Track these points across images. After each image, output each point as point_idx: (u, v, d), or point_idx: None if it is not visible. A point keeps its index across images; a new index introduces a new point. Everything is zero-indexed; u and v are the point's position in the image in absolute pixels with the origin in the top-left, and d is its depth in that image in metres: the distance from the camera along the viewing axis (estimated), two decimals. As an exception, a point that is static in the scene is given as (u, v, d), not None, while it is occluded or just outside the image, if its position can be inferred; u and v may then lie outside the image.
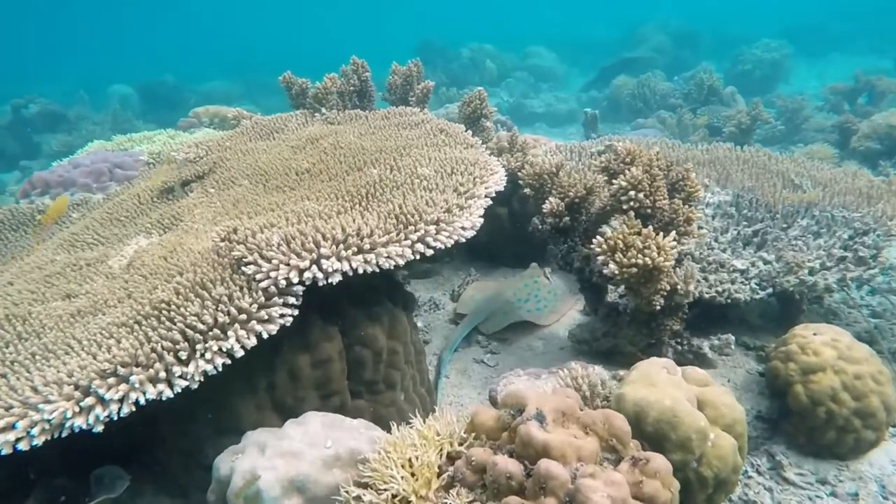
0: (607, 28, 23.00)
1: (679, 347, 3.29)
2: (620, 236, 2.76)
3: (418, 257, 2.60)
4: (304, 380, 2.61)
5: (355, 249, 2.44)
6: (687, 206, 3.03)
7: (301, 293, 2.40)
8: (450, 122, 4.30)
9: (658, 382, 2.32)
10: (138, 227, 3.65)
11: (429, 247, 2.61)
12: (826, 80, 13.54)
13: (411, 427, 2.15)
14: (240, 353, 2.23)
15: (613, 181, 3.02)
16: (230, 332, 2.21)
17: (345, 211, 2.83)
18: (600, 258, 2.84)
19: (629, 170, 2.95)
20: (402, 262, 2.52)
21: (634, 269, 2.69)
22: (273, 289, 2.34)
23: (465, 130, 4.01)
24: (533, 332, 4.11)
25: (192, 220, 3.45)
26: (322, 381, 2.65)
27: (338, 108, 4.77)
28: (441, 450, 2.03)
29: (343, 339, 2.75)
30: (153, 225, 3.59)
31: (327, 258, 2.38)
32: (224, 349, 2.19)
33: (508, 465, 1.79)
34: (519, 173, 3.80)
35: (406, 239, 2.57)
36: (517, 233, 4.85)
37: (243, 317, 2.26)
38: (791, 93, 11.72)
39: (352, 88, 4.77)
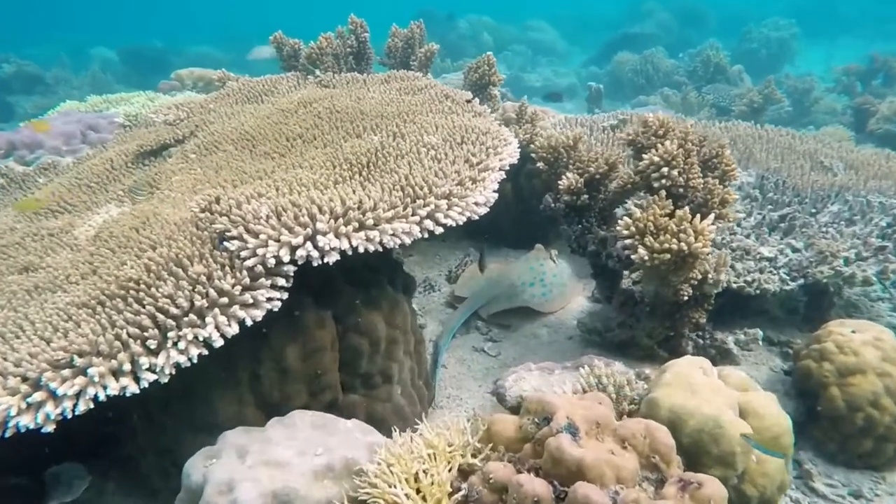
0: (609, 3, 22.41)
1: (701, 342, 3.03)
2: (651, 218, 2.46)
3: (426, 236, 2.28)
4: (292, 372, 2.31)
5: (356, 225, 2.13)
6: (722, 187, 2.73)
7: (292, 274, 2.08)
8: (456, 89, 3.95)
9: (697, 387, 2.04)
10: (110, 195, 3.29)
11: (439, 224, 2.30)
12: (833, 62, 13.23)
13: (418, 433, 1.86)
14: (219, 343, 1.92)
15: (643, 155, 2.70)
16: (208, 318, 1.90)
17: (343, 181, 2.50)
18: (627, 241, 2.54)
19: (662, 143, 2.64)
20: (408, 240, 2.21)
21: (667, 255, 2.39)
22: (260, 268, 2.02)
23: (473, 98, 3.67)
24: (537, 318, 3.83)
25: (169, 187, 3.10)
26: (313, 373, 2.35)
27: (333, 70, 4.40)
28: (452, 463, 1.74)
29: (337, 327, 2.45)
30: (126, 192, 3.24)
31: (324, 234, 2.06)
32: (201, 337, 1.88)
33: (536, 486, 1.51)
34: (531, 146, 3.48)
35: (414, 214, 2.26)
36: (522, 210, 4.55)
37: (224, 300, 1.94)
38: (798, 74, 11.40)
39: (348, 50, 4.39)
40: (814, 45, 17.21)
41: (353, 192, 2.31)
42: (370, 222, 2.14)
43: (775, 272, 3.20)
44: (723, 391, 2.06)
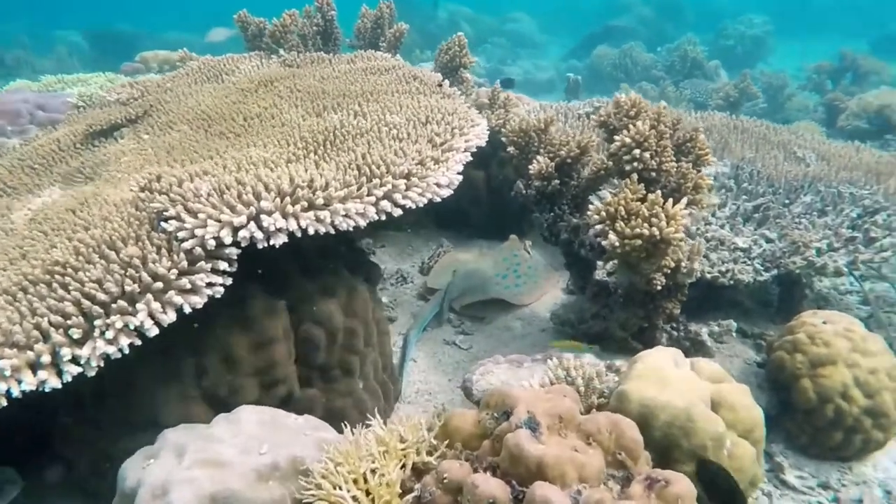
0: (589, -4, 22.34)
1: (675, 333, 2.93)
2: (622, 202, 2.35)
3: (384, 217, 2.14)
4: (241, 365, 2.16)
5: (305, 205, 1.97)
6: (696, 171, 2.63)
7: (236, 257, 1.92)
8: (425, 70, 3.80)
9: (669, 379, 1.93)
10: (54, 177, 3.09)
11: (396, 205, 2.16)
12: (806, 60, 13.33)
13: (369, 429, 1.72)
14: (153, 332, 1.76)
15: (615, 138, 2.59)
16: (140, 305, 1.73)
17: (296, 160, 2.34)
18: (597, 227, 2.42)
19: (634, 124, 2.53)
20: (362, 222, 2.06)
21: (638, 241, 2.28)
22: (199, 250, 1.86)
23: (443, 80, 3.53)
24: (511, 311, 3.72)
25: (117, 168, 2.90)
26: (264, 366, 2.20)
27: (298, 50, 4.22)
28: (405, 461, 1.61)
29: (291, 316, 2.29)
30: (72, 174, 3.04)
31: (269, 214, 1.91)
32: (132, 326, 1.71)
33: (492, 486, 1.38)
34: (502, 129, 3.34)
35: (369, 194, 2.11)
36: (495, 200, 4.42)
37: (158, 285, 1.78)
38: (772, 71, 11.44)
39: (315, 29, 4.21)
40: (788, 43, 17.35)
41: (305, 170, 2.16)
42: (320, 202, 1.98)
43: (749, 263, 3.12)
44: (695, 383, 1.96)
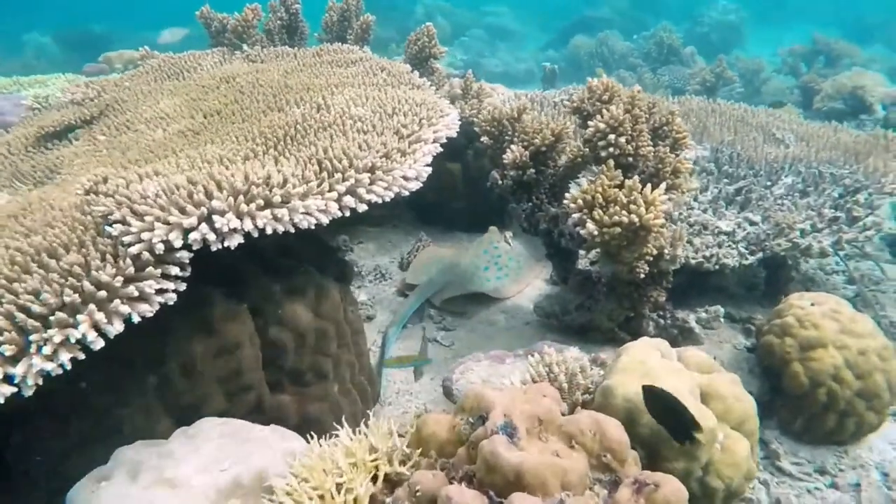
0: (566, -12, 22.25)
1: (662, 322, 2.84)
2: (599, 189, 2.24)
3: (347, 214, 2.02)
4: (204, 373, 2.02)
5: (261, 203, 1.84)
6: (674, 155, 2.53)
7: (188, 261, 1.79)
8: (394, 62, 3.67)
9: (655, 371, 1.83)
10: (2, 181, 2.92)
11: (361, 200, 2.04)
12: (780, 47, 13.37)
13: (338, 439, 1.60)
14: (99, 345, 1.62)
15: (589, 123, 2.48)
16: (82, 316, 1.59)
17: (254, 156, 2.21)
18: (575, 216, 2.32)
19: (608, 109, 2.42)
20: (325, 219, 1.94)
21: (617, 229, 2.18)
22: (147, 255, 1.72)
23: (412, 71, 3.41)
24: (493, 304, 3.61)
25: (70, 171, 2.75)
26: (229, 373, 2.06)
27: (262, 45, 4.07)
28: (377, 472, 1.49)
29: (256, 320, 2.16)
30: (21, 178, 2.88)
31: (222, 214, 1.77)
32: (73, 339, 1.57)
33: (467, 498, 1.27)
34: (475, 119, 3.22)
35: (331, 190, 1.98)
36: (473, 192, 4.31)
37: (103, 294, 1.64)
38: (748, 57, 11.44)
39: (279, 23, 4.06)
40: (762, 31, 17.42)
41: (263, 166, 2.02)
42: (278, 199, 1.85)
43: (734, 247, 3.04)
44: (683, 375, 1.86)
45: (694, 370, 1.94)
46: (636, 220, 2.13)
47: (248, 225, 1.81)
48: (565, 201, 2.35)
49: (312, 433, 1.66)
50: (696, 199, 3.40)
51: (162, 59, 4.07)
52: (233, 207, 1.80)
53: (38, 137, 3.21)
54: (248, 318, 2.12)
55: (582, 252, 3.10)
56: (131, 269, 1.69)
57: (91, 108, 3.37)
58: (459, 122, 2.80)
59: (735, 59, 10.45)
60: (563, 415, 1.50)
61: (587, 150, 2.66)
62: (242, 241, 1.82)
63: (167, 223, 1.74)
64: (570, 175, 3.04)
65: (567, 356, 2.07)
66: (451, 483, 1.34)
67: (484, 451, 1.32)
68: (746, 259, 2.95)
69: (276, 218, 1.85)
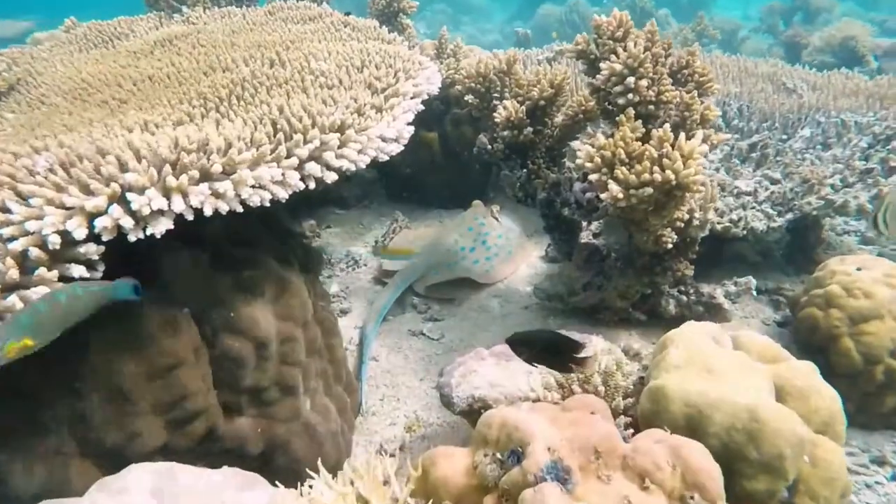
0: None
1: (684, 298, 2.47)
2: (621, 143, 1.83)
3: (312, 185, 1.57)
4: (135, 401, 1.56)
5: (195, 175, 1.38)
6: (700, 101, 2.13)
7: (97, 257, 1.33)
8: (358, 19, 3.20)
9: (716, 364, 1.44)
10: None
11: (329, 167, 1.59)
12: (749, 9, 13.13)
13: (312, 491, 1.17)
14: (-29, 380, 1.15)
15: (600, 66, 2.06)
16: (-60, 343, 1.12)
17: (190, 120, 1.74)
18: (592, 177, 1.90)
19: (624, 47, 2.00)
20: (283, 192, 1.49)
21: (648, 190, 1.77)
22: (38, 253, 1.25)
23: (380, 27, 2.94)
24: (485, 288, 3.20)
25: (-34, 156, 2.23)
26: (169, 398, 1.61)
27: (205, 5, 3.54)
28: (369, 536, 1.07)
29: (202, 328, 1.71)
30: None
31: (140, 191, 1.31)
32: (-71, 376, 1.11)
33: (509, 582, 0.85)
34: (455, 76, 2.78)
35: (289, 156, 1.53)
36: (453, 164, 3.87)
37: (-29, 311, 1.17)
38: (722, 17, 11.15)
39: (224, -20, 3.53)
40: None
41: (200, 129, 1.56)
42: (218, 169, 1.39)
43: (758, 208, 2.67)
44: (749, 367, 1.47)
45: (756, 359, 1.56)
46: (671, 177, 1.73)
47: (178, 205, 1.35)
48: (578, 160, 1.93)
49: (278, 482, 1.22)
50: (705, 157, 3.02)
51: (87, 26, 3.51)
52: (156, 182, 1.34)
53: (-67, 119, 2.66)
54: (190, 326, 1.66)
55: (584, 223, 2.71)
56: (14, 273, 1.22)
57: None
58: (437, 89, 2.35)
59: (710, 19, 10.12)
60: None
61: (594, 102, 2.24)
62: (172, 227, 1.37)
63: (64, 207, 1.27)
64: (569, 135, 2.63)
65: (595, 347, 1.67)
66: (480, 554, 0.93)
67: (528, 509, 0.91)
68: (775, 221, 2.58)
69: (216, 194, 1.40)
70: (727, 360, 1.47)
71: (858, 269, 2.34)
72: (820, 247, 2.89)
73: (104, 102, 2.31)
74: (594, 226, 2.76)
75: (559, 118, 2.62)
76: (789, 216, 2.61)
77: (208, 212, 1.39)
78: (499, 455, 1.05)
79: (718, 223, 2.47)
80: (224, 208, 1.41)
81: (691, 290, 2.48)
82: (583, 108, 2.46)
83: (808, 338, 2.38)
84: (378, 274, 3.41)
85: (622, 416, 1.48)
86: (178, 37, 2.94)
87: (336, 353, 2.14)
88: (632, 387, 1.57)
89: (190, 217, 1.39)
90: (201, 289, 1.72)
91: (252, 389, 1.80)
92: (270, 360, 1.81)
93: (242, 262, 1.83)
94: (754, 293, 2.52)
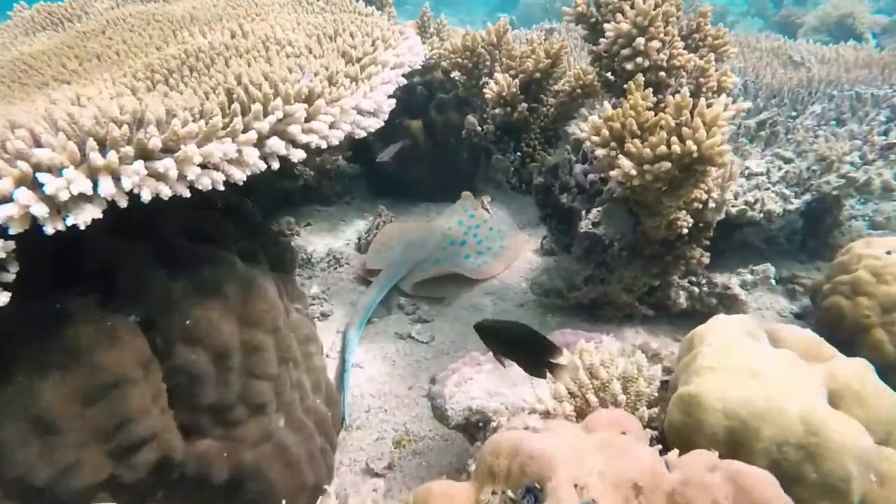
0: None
1: (696, 290, 2.25)
2: (632, 113, 1.60)
3: (275, 165, 1.32)
4: (68, 428, 1.31)
5: (129, 151, 1.13)
6: (715, 67, 1.91)
7: (6, 255, 1.07)
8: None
9: (759, 366, 1.22)
10: None
11: (295, 144, 1.34)
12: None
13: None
14: None
15: (606, 27, 1.83)
16: None
17: (132, 93, 1.48)
18: (599, 153, 1.67)
19: (630, 4, 1.77)
20: (239, 173, 1.24)
21: (666, 165, 1.55)
22: (-77, 251, 1.00)
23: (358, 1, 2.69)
24: (476, 285, 2.96)
25: None
26: (110, 423, 1.36)
27: (166, -16, 3.26)
28: None
29: (152, 338, 1.46)
30: None
31: (56, 171, 1.06)
32: None
33: None
34: (441, 51, 2.54)
35: (246, 130, 1.28)
36: (439, 153, 3.63)
37: None
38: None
39: (185, -44, 3.25)
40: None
41: (140, 101, 1.30)
42: (155, 144, 1.14)
43: (771, 189, 2.46)
44: (799, 368, 1.25)
45: (802, 356, 1.34)
46: (692, 148, 1.50)
47: (106, 188, 1.10)
48: (583, 133, 1.70)
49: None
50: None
51: (36, 8, 3.22)
52: (76, 160, 1.09)
53: None
54: (137, 336, 1.41)
55: (590, 211, 2.48)
56: None
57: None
58: (420, 65, 2.11)
59: (698, 4, 9.98)
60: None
61: (594, 73, 2.01)
62: (100, 216, 1.11)
63: (-45, 193, 1.02)
64: (566, 114, 2.40)
65: (608, 350, 1.44)
66: None
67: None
68: (791, 203, 2.37)
69: (156, 174, 1.15)
70: (771, 360, 1.25)
71: (888, 253, 2.13)
72: (837, 230, 2.68)
73: (44, 84, 2.05)
74: (593, 214, 2.54)
75: (555, 98, 2.39)
76: (807, 197, 2.39)
77: (146, 197, 1.14)
78: (511, 494, 0.82)
79: (733, 206, 2.25)
80: (166, 192, 1.16)
81: (703, 281, 2.26)
82: (581, 82, 2.23)
83: (832, 330, 2.17)
84: (361, 273, 3.16)
85: (647, 430, 1.26)
86: (133, 14, 2.67)
87: (314, 362, 1.89)
88: (656, 393, 1.34)
89: (123, 203, 1.13)
90: (151, 292, 1.47)
91: (214, 407, 1.55)
92: (235, 373, 1.56)
93: (201, 260, 1.58)
94: (773, 281, 2.30)
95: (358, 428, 2.11)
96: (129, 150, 1.13)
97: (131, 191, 1.13)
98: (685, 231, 1.86)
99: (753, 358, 1.24)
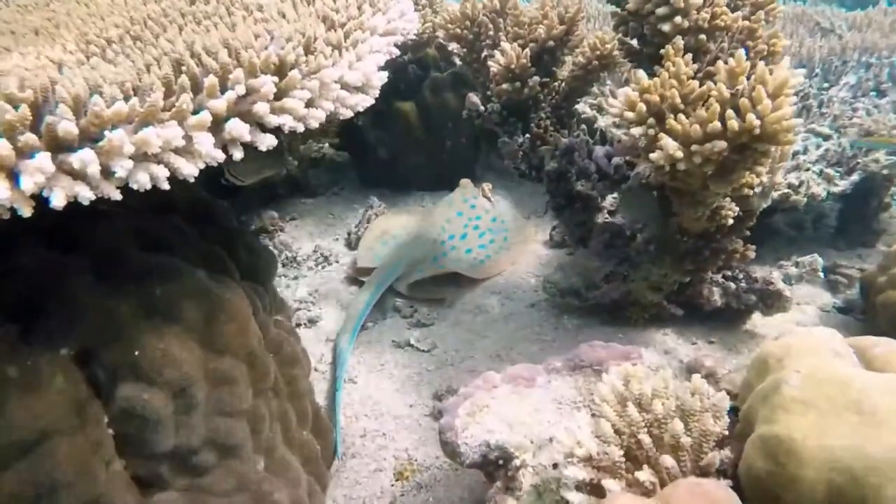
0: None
1: (732, 286, 1.98)
2: (674, 83, 1.32)
3: (237, 156, 1.03)
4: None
5: (30, 142, 0.83)
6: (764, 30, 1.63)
7: None
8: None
9: (869, 400, 0.95)
10: None
11: (264, 128, 1.05)
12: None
13: None
14: None
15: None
16: None
17: (58, 66, 1.18)
18: (635, 132, 1.38)
19: (667, -44, 1.48)
20: (187, 167, 0.95)
21: (720, 144, 1.26)
22: None
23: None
24: (480, 282, 2.69)
25: None
26: (32, 488, 1.07)
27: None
28: None
29: (91, 374, 1.17)
30: None
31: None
32: None
33: None
34: (436, 20, 2.25)
35: (199, 110, 0.99)
36: (434, 138, 3.33)
37: None
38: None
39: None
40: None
41: (70, 80, 1.00)
42: (68, 131, 0.85)
43: (813, 170, 2.19)
44: (914, 399, 0.98)
45: (903, 380, 1.07)
46: (756, 123, 1.22)
47: (2, 191, 0.81)
48: (613, 109, 1.41)
49: None
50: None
51: (-21, -15, 2.89)
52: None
53: None
54: (70, 373, 1.12)
55: (600, 200, 2.20)
56: None
57: None
58: (412, 41, 1.82)
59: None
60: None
61: (618, 37, 1.72)
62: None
63: None
64: (580, 88, 2.12)
65: (663, 375, 1.17)
66: None
67: None
68: (836, 185, 2.10)
69: (70, 172, 0.85)
70: (879, 390, 0.98)
71: (951, 240, 1.88)
72: (884, 213, 2.42)
73: (-29, 65, 1.73)
74: (609, 201, 2.27)
75: (566, 70, 2.10)
76: (854, 178, 2.13)
77: (57, 202, 0.85)
78: None
79: (775, 189, 1.98)
80: (86, 195, 0.87)
81: (741, 276, 1.99)
82: (597, 52, 1.94)
83: (889, 329, 1.91)
84: (352, 272, 2.87)
85: (721, 479, 0.99)
86: (86, -12, 2.35)
87: (299, 387, 1.61)
88: (726, 431, 1.07)
89: (26, 213, 0.84)
90: (88, 316, 1.17)
91: (175, 454, 1.27)
92: (198, 412, 1.28)
93: (154, 274, 1.29)
94: (821, 275, 2.04)
95: (353, 456, 1.83)
96: (29, 138, 0.84)
97: (37, 193, 0.84)
98: (731, 221, 1.58)
99: (857, 388, 0.97)
